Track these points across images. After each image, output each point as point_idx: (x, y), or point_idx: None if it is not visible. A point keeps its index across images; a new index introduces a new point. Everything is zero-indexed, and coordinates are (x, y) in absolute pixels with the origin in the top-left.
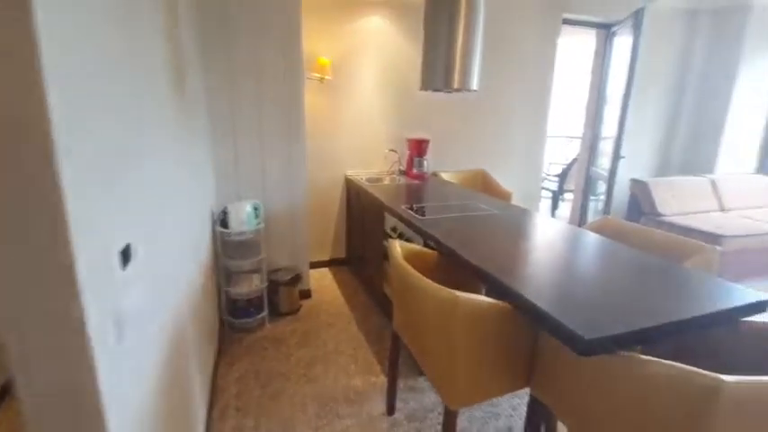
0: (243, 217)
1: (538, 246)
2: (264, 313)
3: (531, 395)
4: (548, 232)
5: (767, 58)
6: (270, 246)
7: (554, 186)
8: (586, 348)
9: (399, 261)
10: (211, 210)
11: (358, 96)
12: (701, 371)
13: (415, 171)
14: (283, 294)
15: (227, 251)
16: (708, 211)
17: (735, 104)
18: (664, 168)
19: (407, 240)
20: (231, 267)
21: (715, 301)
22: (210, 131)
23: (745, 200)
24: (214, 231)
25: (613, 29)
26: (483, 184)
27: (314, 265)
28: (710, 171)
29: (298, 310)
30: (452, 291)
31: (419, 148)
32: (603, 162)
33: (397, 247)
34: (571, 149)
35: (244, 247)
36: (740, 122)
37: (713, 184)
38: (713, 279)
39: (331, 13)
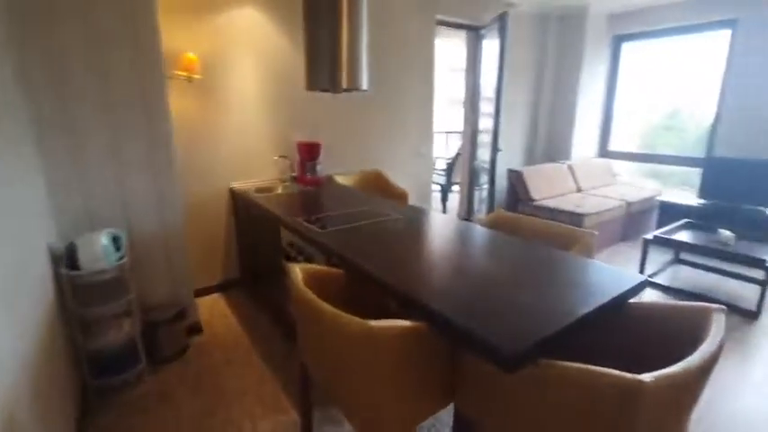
0: (97, 252)
1: (442, 251)
2: (142, 364)
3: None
4: (449, 234)
5: (600, 59)
6: (142, 280)
7: (442, 180)
8: (512, 366)
9: (302, 290)
10: (50, 248)
11: (237, 98)
12: (619, 373)
13: (308, 177)
14: (165, 335)
15: (81, 297)
16: (569, 193)
17: (581, 99)
18: (531, 158)
19: (308, 258)
20: (90, 316)
21: (610, 288)
22: (36, 144)
23: (594, 180)
24: (58, 274)
25: (482, 31)
26: (379, 186)
27: (202, 293)
28: (568, 157)
29: (185, 350)
30: (365, 321)
31: (311, 152)
32: (483, 154)
33: (298, 273)
34: (453, 144)
35: (104, 288)
36: (585, 114)
37: (570, 168)
38: (601, 266)
39: (196, 1)
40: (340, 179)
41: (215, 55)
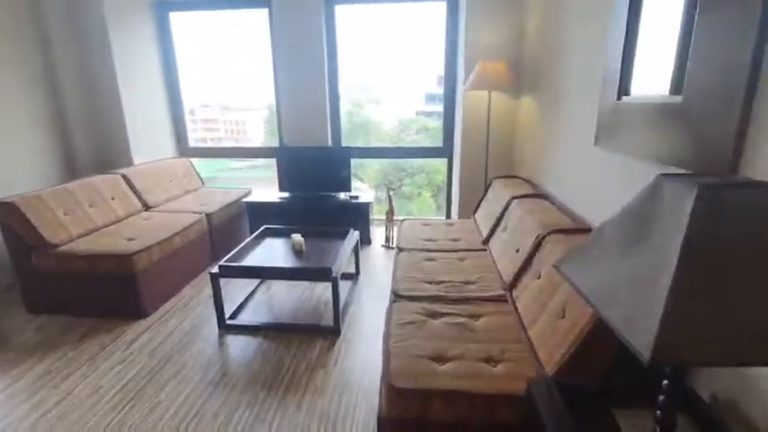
0: None
1: None
2: None
3: None
4: None
5: (144, 33)
6: None
7: None
8: None
9: None
10: None
11: None
12: None
13: None
14: None
15: None
16: (127, 217)
17: (127, 85)
18: (74, 174)
19: None
20: None
21: None
22: None
23: (169, 190)
24: None
25: None
26: None
27: None
28: (130, 163)
29: None
30: None
31: None
32: None
33: None
34: None
35: None
36: (142, 104)
37: (126, 179)
38: None
39: None
40: None
41: None
